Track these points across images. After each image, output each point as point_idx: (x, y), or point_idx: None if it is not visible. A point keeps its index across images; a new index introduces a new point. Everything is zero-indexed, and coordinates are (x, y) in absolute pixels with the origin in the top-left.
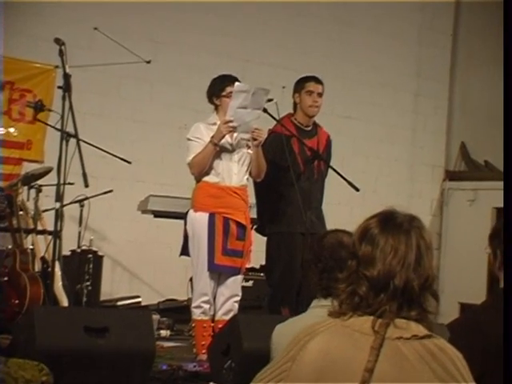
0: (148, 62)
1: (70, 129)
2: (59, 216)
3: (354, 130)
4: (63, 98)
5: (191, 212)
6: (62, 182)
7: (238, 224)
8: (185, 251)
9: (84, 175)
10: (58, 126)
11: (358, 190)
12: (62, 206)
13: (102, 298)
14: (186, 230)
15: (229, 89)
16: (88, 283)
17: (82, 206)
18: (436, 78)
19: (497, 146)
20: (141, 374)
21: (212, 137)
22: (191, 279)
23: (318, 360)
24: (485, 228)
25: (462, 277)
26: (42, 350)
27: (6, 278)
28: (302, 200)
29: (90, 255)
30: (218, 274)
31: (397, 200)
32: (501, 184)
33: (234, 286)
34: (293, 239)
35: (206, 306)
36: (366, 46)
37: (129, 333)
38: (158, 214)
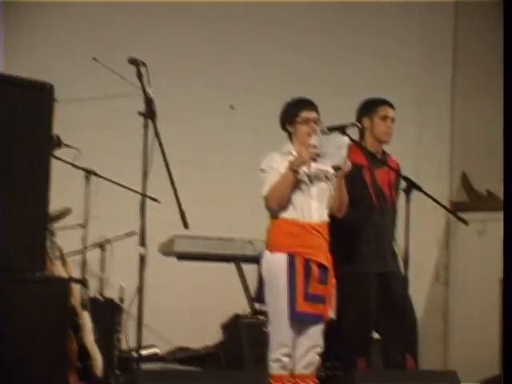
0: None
1: (90, 165)
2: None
3: None
4: (145, 126)
5: (267, 253)
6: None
7: (320, 265)
8: (260, 298)
9: (181, 214)
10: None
11: (466, 222)
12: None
13: None
14: (260, 275)
15: (304, 114)
16: (119, 334)
17: (103, 249)
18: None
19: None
20: None
21: (291, 163)
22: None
23: None
24: (493, 259)
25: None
26: None
27: None
28: (377, 236)
29: (119, 303)
30: (299, 322)
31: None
32: None
33: (315, 335)
34: (368, 280)
35: (286, 360)
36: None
37: None
38: (183, 256)
